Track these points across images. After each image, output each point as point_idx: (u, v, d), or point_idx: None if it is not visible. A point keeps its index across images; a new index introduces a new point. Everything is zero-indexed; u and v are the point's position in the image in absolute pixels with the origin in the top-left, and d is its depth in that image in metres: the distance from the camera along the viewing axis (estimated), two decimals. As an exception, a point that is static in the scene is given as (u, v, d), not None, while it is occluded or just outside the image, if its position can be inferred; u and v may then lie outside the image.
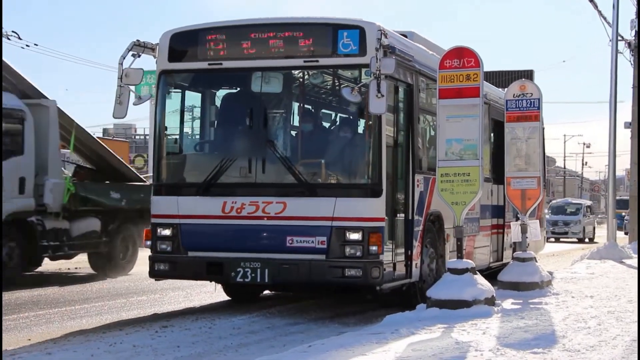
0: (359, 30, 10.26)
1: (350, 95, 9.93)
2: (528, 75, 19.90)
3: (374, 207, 10.20)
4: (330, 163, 10.66)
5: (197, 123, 11.84)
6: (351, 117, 11.33)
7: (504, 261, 15.84)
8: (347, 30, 10.30)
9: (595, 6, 24.07)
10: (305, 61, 10.44)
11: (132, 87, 10.80)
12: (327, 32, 10.64)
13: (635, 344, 8.72)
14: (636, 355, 8.17)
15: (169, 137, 11.24)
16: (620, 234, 29.01)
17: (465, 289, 11.15)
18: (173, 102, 11.27)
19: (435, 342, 9.11)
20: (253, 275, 10.29)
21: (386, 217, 10.63)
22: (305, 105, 11.51)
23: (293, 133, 11.32)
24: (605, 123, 24.11)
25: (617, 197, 31.76)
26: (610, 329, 9.95)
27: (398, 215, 11.14)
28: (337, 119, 11.36)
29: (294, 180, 10.52)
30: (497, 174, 15.94)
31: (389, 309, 11.10)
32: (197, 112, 11.82)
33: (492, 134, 16.28)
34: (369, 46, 10.12)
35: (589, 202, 51.52)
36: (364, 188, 10.30)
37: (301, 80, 10.86)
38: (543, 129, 15.31)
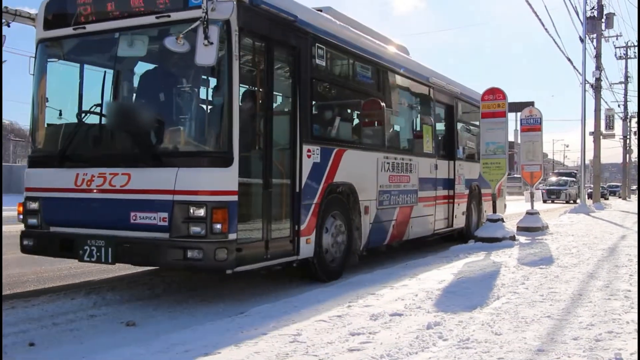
0: None
1: (174, 45, 6.70)
2: (531, 103, 21.13)
3: (221, 179, 6.86)
4: (178, 129, 7.40)
5: (63, 93, 8.42)
6: (199, 78, 7.59)
7: (455, 227, 13.74)
8: None
9: (571, 62, 28.35)
10: (157, 17, 7.17)
11: None
12: None
13: (601, 263, 9.55)
14: (603, 270, 8.88)
15: (41, 108, 8.21)
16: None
17: (497, 231, 12.40)
18: (47, 71, 8.20)
19: (480, 262, 9.79)
20: (98, 254, 7.15)
21: (251, 190, 7.38)
22: (159, 68, 8.00)
23: (144, 99, 8.07)
24: (578, 132, 26.51)
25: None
26: (585, 253, 10.84)
27: (274, 187, 7.69)
28: (187, 81, 7.59)
29: (138, 150, 7.31)
30: (447, 151, 13.64)
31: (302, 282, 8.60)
32: (65, 81, 8.40)
33: (438, 115, 13.51)
34: None
35: (573, 178, 52.00)
36: (210, 156, 6.95)
37: (154, 39, 7.50)
38: (542, 135, 15.72)
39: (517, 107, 39.35)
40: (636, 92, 55.67)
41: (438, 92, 13.08)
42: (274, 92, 8.40)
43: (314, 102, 8.87)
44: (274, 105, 8.54)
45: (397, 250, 12.01)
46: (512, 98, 11.89)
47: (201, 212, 6.74)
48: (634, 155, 69.52)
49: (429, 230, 12.37)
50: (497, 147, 12.83)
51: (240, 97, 7.48)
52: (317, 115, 9.19)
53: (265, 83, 7.71)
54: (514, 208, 23.27)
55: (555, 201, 48.19)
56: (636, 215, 23.69)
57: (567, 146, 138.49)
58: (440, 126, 13.78)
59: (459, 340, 5.05)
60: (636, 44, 47.01)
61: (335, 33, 9.35)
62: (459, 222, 13.91)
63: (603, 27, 31.97)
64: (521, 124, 15.72)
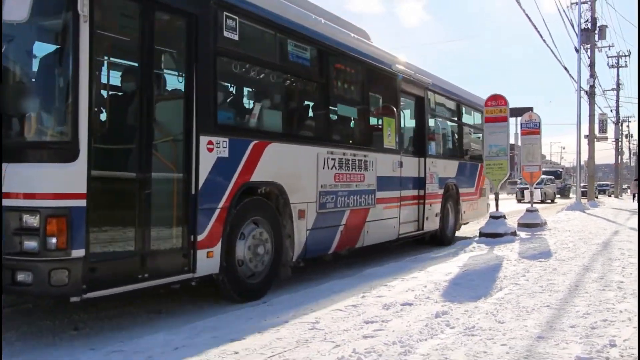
0: None
1: None
2: (530, 109, 21.09)
3: (60, 177, 4.89)
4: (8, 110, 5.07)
5: None
6: (37, 44, 5.43)
7: (427, 230, 11.57)
8: None
9: (567, 71, 28.46)
10: None
11: None
12: None
13: (596, 257, 9.48)
14: (598, 263, 8.85)
15: None
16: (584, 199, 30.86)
17: (499, 227, 12.27)
18: None
19: (484, 255, 9.79)
20: None
21: (114, 191, 5.50)
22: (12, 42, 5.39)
23: None
24: (574, 135, 27.16)
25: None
26: (581, 247, 10.77)
27: (157, 187, 5.70)
28: (21, 49, 5.40)
29: None
30: (417, 147, 11.58)
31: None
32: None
33: (404, 107, 11.40)
34: None
35: (551, 176, 45.55)
36: (47, 148, 4.97)
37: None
38: (540, 138, 15.54)
39: (517, 112, 39.54)
40: (627, 98, 56.40)
41: (404, 82, 10.84)
42: (162, 71, 6.46)
43: (220, 84, 6.94)
44: (161, 86, 6.43)
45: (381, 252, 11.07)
46: (512, 104, 11.77)
47: (34, 221, 4.85)
48: (625, 156, 70.21)
49: (391, 235, 10.26)
50: (500, 149, 12.74)
51: (100, 72, 5.78)
52: (226, 100, 7.30)
53: (143, 56, 5.69)
54: (508, 207, 22.40)
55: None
56: (628, 212, 23.60)
57: (564, 148, 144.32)
58: (408, 120, 11.93)
59: (465, 328, 5.06)
60: (627, 53, 47.79)
61: (254, 1, 7.07)
62: (432, 224, 11.77)
63: (596, 38, 32.13)
64: (521, 128, 15.66)
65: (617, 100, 51.24)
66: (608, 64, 47.68)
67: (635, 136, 61.34)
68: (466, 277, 7.65)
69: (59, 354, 4.83)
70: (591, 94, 31.30)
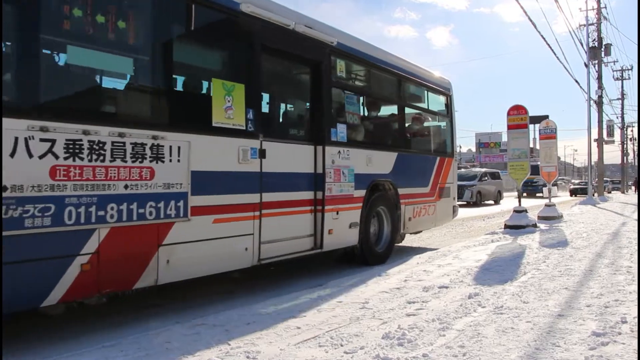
0: None
1: None
2: (547, 117, 20.68)
3: None
4: None
5: None
6: None
7: (330, 247, 7.20)
8: None
9: (578, 83, 28.81)
10: None
11: None
12: None
13: (607, 245, 9.17)
14: (609, 250, 8.55)
15: None
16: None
17: (522, 219, 11.92)
18: None
19: (509, 245, 9.50)
20: None
21: None
22: None
23: None
24: (585, 139, 26.72)
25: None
26: (593, 237, 10.48)
27: None
28: None
29: None
30: (309, 130, 7.22)
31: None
32: None
33: (273, 70, 6.87)
34: None
35: (496, 170, 32.36)
36: None
37: None
38: (556, 142, 15.19)
39: (535, 119, 40.06)
40: (631, 106, 57.03)
41: (273, 33, 6.44)
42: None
43: None
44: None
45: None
46: (531, 112, 11.45)
47: None
48: (630, 157, 70.48)
49: (239, 261, 5.86)
50: (521, 152, 12.43)
51: None
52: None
53: None
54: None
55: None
56: (633, 206, 22.94)
57: (576, 150, 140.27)
58: (286, 88, 7.68)
59: (495, 307, 4.99)
60: (629, 67, 47.73)
61: None
62: (341, 238, 7.46)
63: (603, 55, 32.07)
64: (540, 134, 15.38)
65: (622, 108, 52.21)
66: (613, 76, 48.65)
67: (639, 139, 61.63)
68: (494, 263, 7.51)
69: (152, 325, 4.93)
70: (599, 103, 31.23)
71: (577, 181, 60.06)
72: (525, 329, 4.26)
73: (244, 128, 5.90)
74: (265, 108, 6.77)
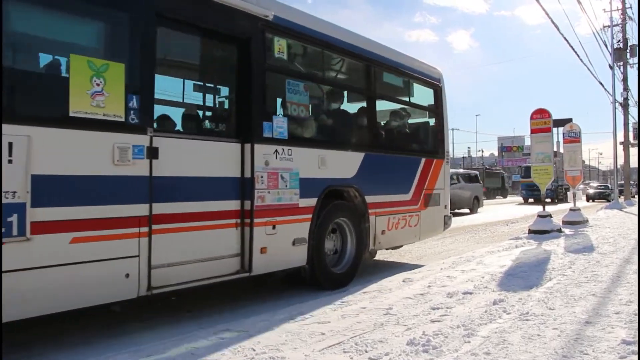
0: None
1: None
2: (570, 120, 20.54)
3: None
4: None
5: None
6: None
7: (261, 270, 5.85)
8: None
9: (603, 85, 28.50)
10: None
11: None
12: None
13: (635, 250, 8.94)
14: (637, 256, 8.25)
15: None
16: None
17: (546, 224, 11.85)
18: None
19: (534, 250, 9.42)
20: None
21: None
22: None
23: None
24: (610, 142, 26.58)
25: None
26: (620, 242, 10.34)
27: None
28: None
29: None
30: (232, 124, 5.88)
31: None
32: None
33: (171, 45, 5.47)
34: None
35: (473, 172, 28.55)
36: None
37: None
38: (581, 146, 15.06)
39: (558, 123, 39.45)
40: None
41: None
42: None
43: None
44: None
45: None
46: (554, 115, 11.32)
47: None
48: None
49: (110, 291, 4.43)
50: (545, 156, 12.31)
51: None
52: None
53: None
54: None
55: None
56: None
57: (601, 154, 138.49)
58: (197, 72, 6.41)
59: (520, 313, 4.94)
60: None
61: None
62: (282, 257, 6.15)
63: (628, 56, 31.55)
64: (564, 137, 15.32)
65: (649, 111, 50.51)
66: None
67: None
68: (518, 269, 7.43)
69: (178, 331, 4.96)
70: (625, 106, 30.83)
71: (595, 184, 57.53)
72: (552, 336, 4.20)
73: (123, 120, 4.49)
74: (162, 95, 5.61)
